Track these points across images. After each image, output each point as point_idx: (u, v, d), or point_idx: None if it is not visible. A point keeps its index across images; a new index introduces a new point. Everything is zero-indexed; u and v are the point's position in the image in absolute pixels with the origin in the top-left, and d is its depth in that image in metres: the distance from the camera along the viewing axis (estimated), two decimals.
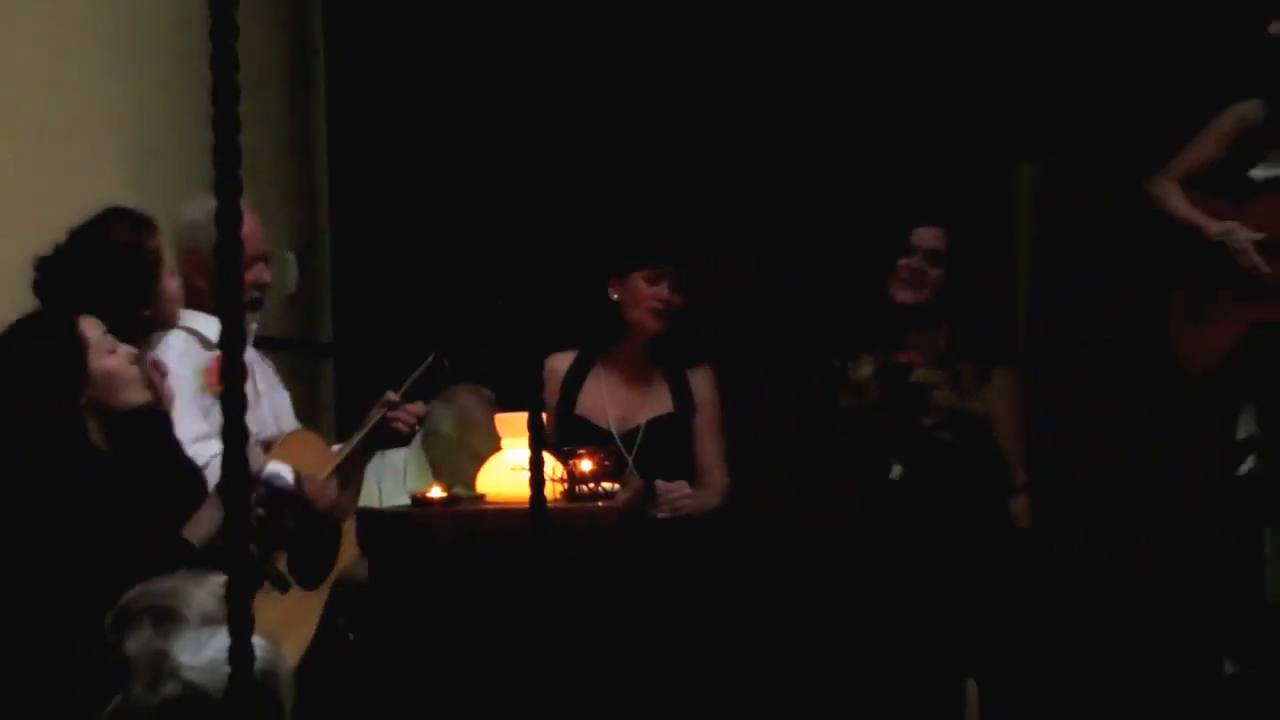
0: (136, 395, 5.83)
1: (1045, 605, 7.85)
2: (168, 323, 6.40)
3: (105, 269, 6.15)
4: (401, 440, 7.08)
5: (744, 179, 8.79)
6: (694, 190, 8.73)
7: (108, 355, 5.79)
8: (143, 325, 6.25)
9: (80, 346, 5.75)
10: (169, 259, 6.29)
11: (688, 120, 8.83)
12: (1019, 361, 7.97)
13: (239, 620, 2.44)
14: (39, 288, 6.16)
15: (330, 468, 6.83)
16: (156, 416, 5.98)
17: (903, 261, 7.70)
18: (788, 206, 8.81)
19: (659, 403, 7.77)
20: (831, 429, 7.77)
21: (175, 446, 6.08)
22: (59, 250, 6.20)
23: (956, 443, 7.66)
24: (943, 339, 7.73)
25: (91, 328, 5.79)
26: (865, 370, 7.74)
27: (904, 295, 7.71)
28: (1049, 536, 7.85)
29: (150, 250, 6.22)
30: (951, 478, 7.65)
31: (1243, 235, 7.41)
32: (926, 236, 7.72)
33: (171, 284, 6.31)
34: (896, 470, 7.64)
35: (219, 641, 2.21)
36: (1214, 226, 7.46)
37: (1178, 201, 7.54)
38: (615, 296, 7.66)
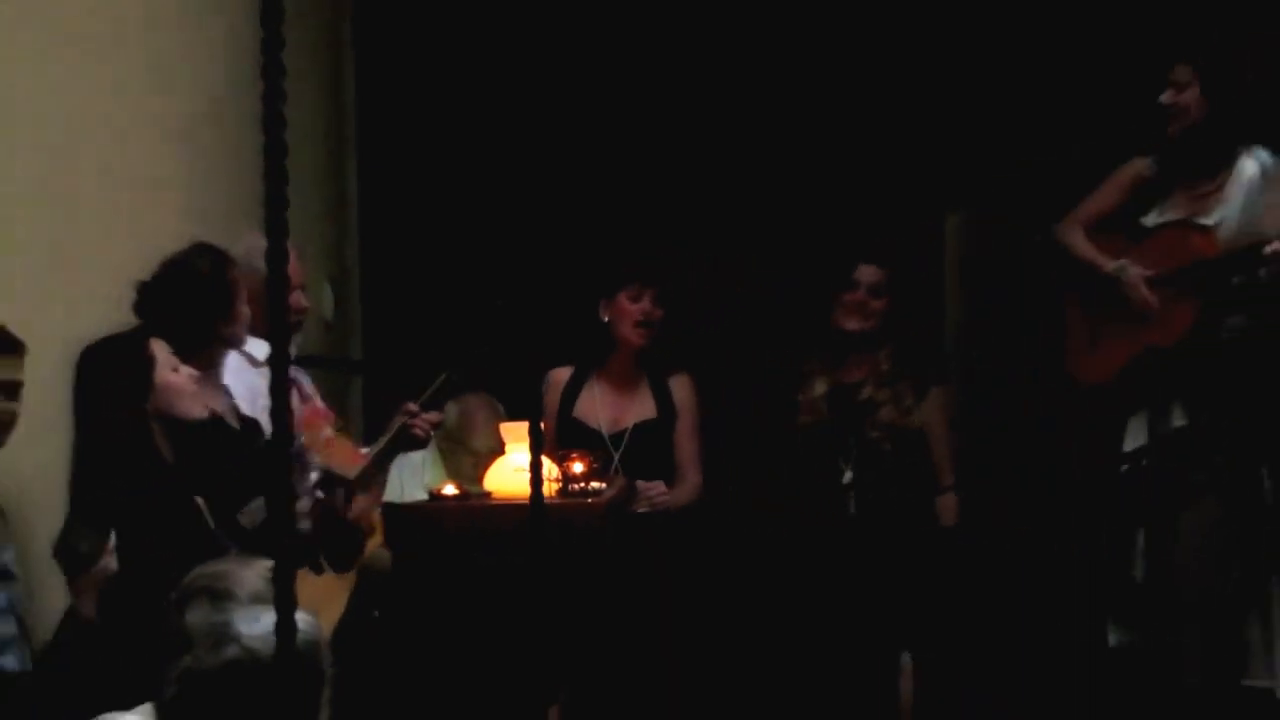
0: (196, 409, 5.84)
1: (969, 588, 7.86)
2: (240, 344, 6.38)
3: (191, 294, 6.16)
4: (419, 444, 7.08)
5: (713, 218, 8.78)
6: (665, 219, 8.72)
7: (171, 372, 5.79)
8: (221, 344, 6.24)
9: (148, 364, 5.77)
10: (243, 288, 6.29)
11: (656, 160, 8.81)
12: (949, 381, 7.98)
13: (284, 599, 2.45)
14: (138, 308, 6.16)
15: (360, 466, 6.83)
16: (216, 426, 5.97)
17: (848, 295, 7.72)
18: (752, 246, 8.80)
19: (644, 407, 7.79)
20: (792, 439, 7.79)
21: (237, 449, 6.07)
22: (155, 277, 6.22)
23: (896, 452, 7.70)
24: (885, 362, 7.75)
25: (159, 348, 5.80)
26: (819, 389, 7.77)
27: (851, 324, 7.73)
28: (972, 529, 7.89)
29: (230, 280, 6.23)
30: (892, 481, 7.69)
31: (1133, 272, 7.44)
32: (868, 273, 7.74)
33: (245, 310, 6.30)
34: (847, 475, 7.68)
35: (271, 616, 2.23)
36: (1109, 264, 7.48)
37: (1080, 242, 7.57)
38: (606, 317, 7.70)
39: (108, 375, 5.78)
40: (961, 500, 7.81)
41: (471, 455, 7.52)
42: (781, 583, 7.73)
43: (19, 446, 5.55)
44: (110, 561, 5.60)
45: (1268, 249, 7.15)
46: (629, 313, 7.67)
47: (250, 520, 5.86)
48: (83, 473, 5.82)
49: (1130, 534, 7.51)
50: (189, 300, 6.14)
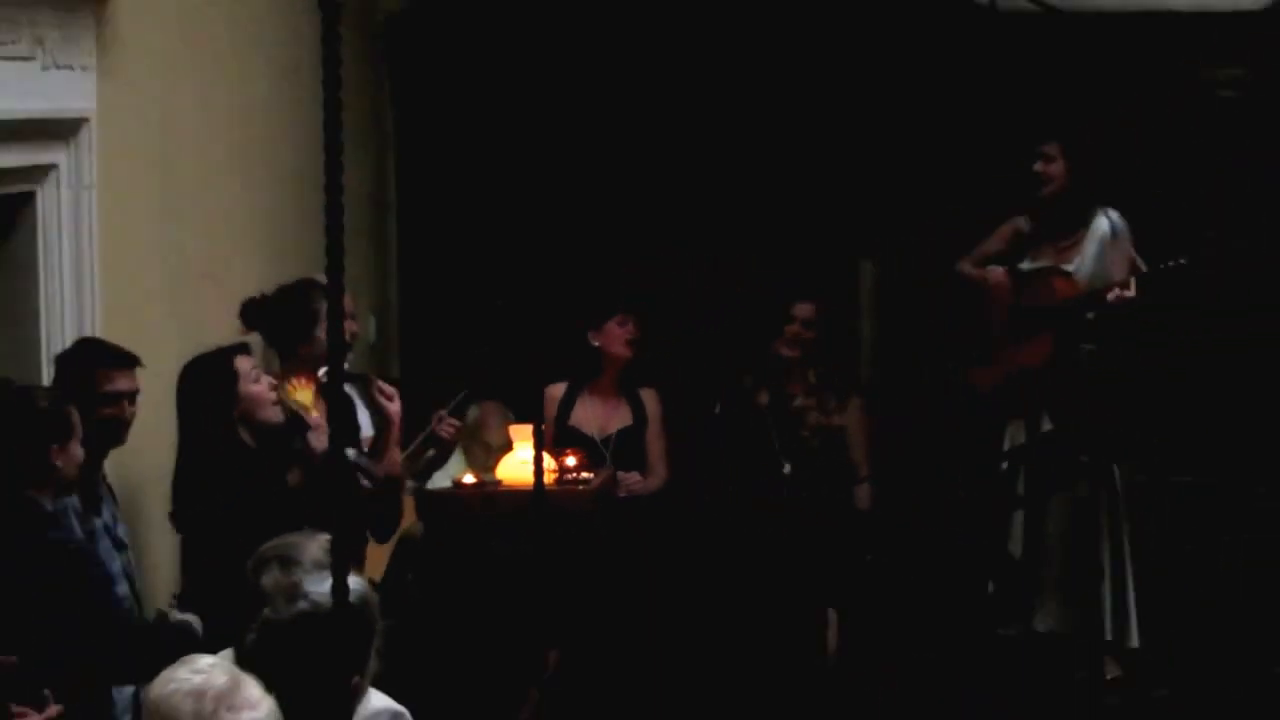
0: (273, 415, 5.81)
1: (880, 558, 7.87)
2: (319, 363, 6.35)
3: (289, 315, 6.24)
4: (443, 443, 7.08)
5: (674, 251, 8.70)
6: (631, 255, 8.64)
7: (253, 384, 5.77)
8: (302, 360, 6.24)
9: (234, 376, 5.74)
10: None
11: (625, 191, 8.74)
12: (864, 392, 8.00)
13: (340, 566, 2.45)
14: (245, 315, 6.27)
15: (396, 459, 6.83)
16: (291, 428, 5.95)
17: (788, 328, 7.73)
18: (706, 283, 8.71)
19: (623, 416, 7.83)
20: (739, 439, 7.81)
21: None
22: (267, 298, 6.32)
23: (823, 448, 7.73)
24: (813, 375, 7.78)
25: (243, 363, 5.78)
26: (763, 399, 7.80)
27: (788, 351, 7.75)
28: (883, 514, 7.91)
29: (315, 309, 6.22)
30: (820, 474, 7.71)
31: (997, 271, 7.53)
32: (804, 310, 7.75)
33: (321, 336, 6.27)
34: (786, 467, 7.71)
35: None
36: (985, 274, 7.55)
37: (968, 269, 7.64)
38: (596, 343, 7.72)
39: (201, 387, 5.75)
40: (874, 489, 7.85)
41: (486, 450, 7.50)
42: (731, 555, 7.73)
43: (133, 442, 5.54)
44: None
45: (1110, 295, 7.21)
46: (618, 335, 7.69)
47: (295, 480, 5.84)
48: (183, 463, 5.79)
49: (1008, 516, 7.53)
50: (286, 319, 6.20)
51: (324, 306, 6.17)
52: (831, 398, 7.75)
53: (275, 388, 5.86)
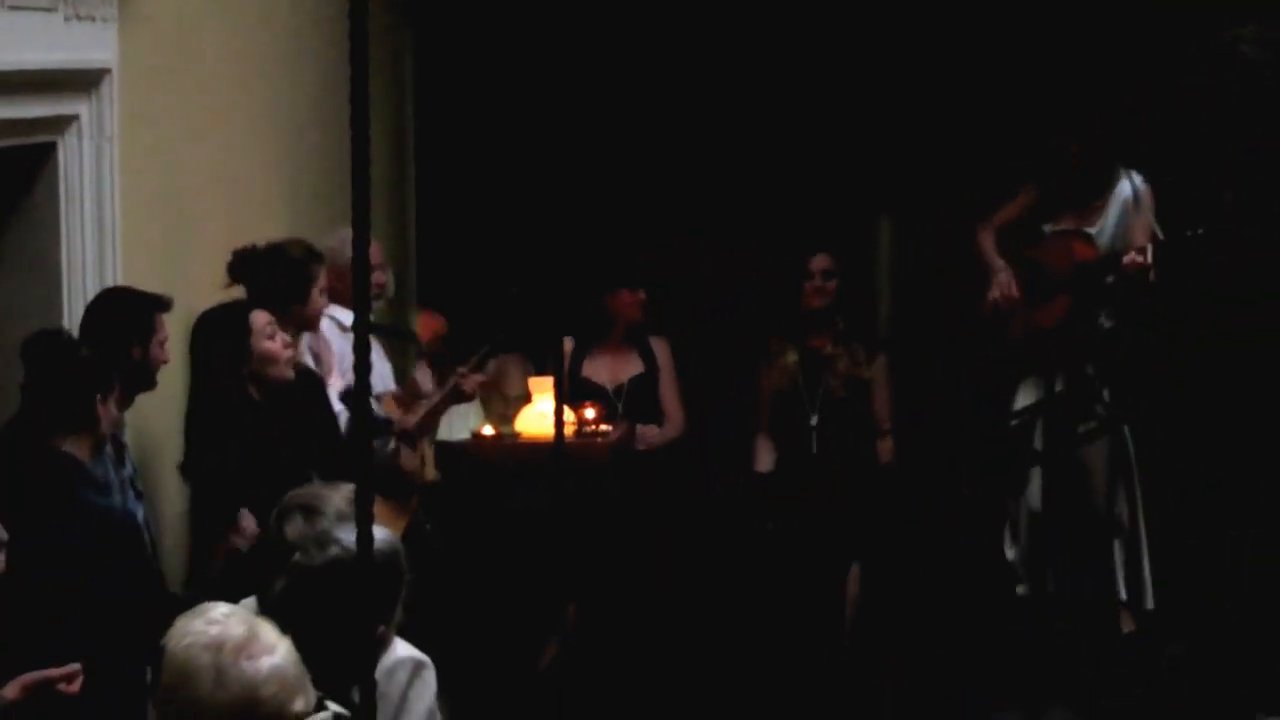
0: (284, 373, 5.79)
1: (899, 510, 7.88)
2: (312, 324, 6.33)
3: (281, 273, 6.14)
4: (466, 397, 7.09)
5: (690, 217, 8.71)
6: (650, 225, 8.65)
7: (266, 340, 5.76)
8: (296, 318, 6.20)
9: (248, 331, 5.73)
10: (321, 281, 6.23)
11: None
12: (887, 350, 8.02)
13: (364, 516, 2.45)
14: (232, 269, 6.13)
15: (420, 412, 6.83)
16: (301, 385, 5.95)
17: (809, 283, 7.75)
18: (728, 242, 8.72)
19: (634, 366, 7.90)
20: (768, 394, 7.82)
21: (318, 404, 6.05)
22: (256, 250, 6.18)
23: (851, 399, 7.74)
24: (841, 323, 7.85)
25: (258, 318, 5.77)
26: (790, 358, 7.83)
27: (816, 303, 7.80)
28: (904, 466, 7.90)
29: (313, 271, 6.18)
30: (847, 424, 7.77)
31: (1003, 276, 7.52)
32: (820, 261, 7.79)
33: (319, 300, 6.24)
34: (814, 419, 7.73)
35: None
36: (996, 266, 7.56)
37: (986, 245, 7.63)
38: (610, 306, 7.80)
39: (214, 339, 5.74)
40: (896, 443, 7.88)
41: (504, 401, 7.52)
42: (760, 503, 7.77)
43: (145, 394, 5.54)
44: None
45: (1126, 259, 7.20)
46: (629, 300, 7.83)
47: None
48: (194, 415, 5.79)
49: (1025, 474, 7.54)
50: (277, 277, 6.13)
51: (320, 268, 6.17)
52: (861, 350, 7.81)
53: (290, 345, 5.85)
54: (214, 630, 2.97)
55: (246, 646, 2.96)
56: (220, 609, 3.05)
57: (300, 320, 6.18)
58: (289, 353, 5.80)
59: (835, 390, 7.76)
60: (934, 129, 8.44)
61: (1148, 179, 7.46)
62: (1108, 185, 7.47)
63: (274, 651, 2.98)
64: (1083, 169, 7.45)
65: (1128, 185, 7.47)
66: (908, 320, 8.69)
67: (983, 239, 7.64)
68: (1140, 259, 7.17)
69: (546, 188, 8.31)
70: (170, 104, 6.16)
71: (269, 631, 3.01)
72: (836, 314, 7.83)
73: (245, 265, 6.12)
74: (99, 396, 4.78)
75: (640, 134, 8.66)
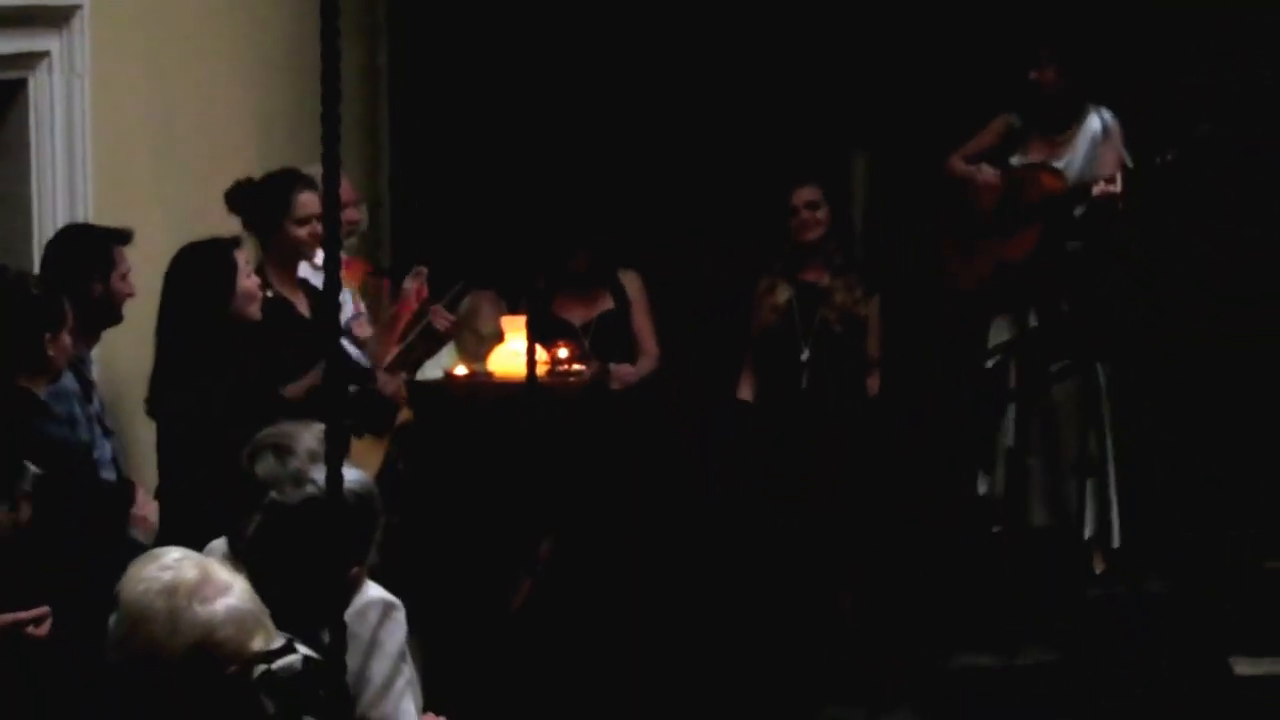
0: (255, 312, 5.74)
1: (883, 441, 7.76)
2: (293, 252, 6.27)
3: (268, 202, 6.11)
4: (438, 336, 7.05)
5: (674, 172, 8.62)
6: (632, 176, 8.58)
7: (246, 278, 5.72)
8: (276, 248, 6.18)
9: (234, 267, 5.69)
10: (299, 213, 6.18)
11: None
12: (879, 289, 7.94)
13: (334, 454, 2.44)
14: (230, 197, 6.10)
15: (395, 352, 6.80)
16: (279, 317, 5.92)
17: (795, 218, 7.65)
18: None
19: (604, 302, 7.78)
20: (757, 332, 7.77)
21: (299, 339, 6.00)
22: (253, 183, 6.16)
23: (843, 335, 7.65)
24: (837, 254, 7.72)
25: (241, 255, 5.73)
26: (783, 295, 7.70)
27: (809, 235, 7.66)
28: (888, 400, 7.82)
29: (291, 199, 6.11)
30: (840, 358, 7.65)
31: (988, 171, 7.48)
32: (806, 193, 7.65)
33: (297, 231, 6.19)
34: (805, 353, 7.64)
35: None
36: (975, 171, 7.51)
37: (959, 165, 7.59)
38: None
39: (196, 275, 5.68)
40: (882, 377, 7.78)
41: (478, 339, 7.45)
42: (754, 430, 7.72)
43: (115, 329, 5.50)
44: None
45: (1096, 190, 7.22)
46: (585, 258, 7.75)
47: (293, 394, 5.80)
48: (164, 351, 5.73)
49: (1001, 411, 7.54)
50: (260, 207, 6.10)
51: (299, 197, 6.13)
52: (856, 279, 7.69)
53: (262, 286, 5.82)
54: (167, 575, 2.95)
55: (200, 589, 2.94)
56: (173, 553, 3.03)
57: (282, 248, 6.17)
58: (260, 293, 5.76)
59: (831, 323, 7.61)
60: (908, 63, 8.37)
61: (1116, 111, 7.46)
62: (1074, 117, 7.47)
63: (228, 592, 2.97)
64: (1055, 97, 7.44)
65: (1096, 120, 7.48)
66: (879, 253, 8.61)
67: (953, 162, 7.62)
68: (1110, 188, 7.19)
69: (521, 133, 8.23)
70: (142, 40, 6.11)
71: (222, 572, 3.00)
72: (830, 244, 7.69)
73: (240, 195, 6.12)
74: (48, 335, 4.77)
75: (612, 77, 8.55)
